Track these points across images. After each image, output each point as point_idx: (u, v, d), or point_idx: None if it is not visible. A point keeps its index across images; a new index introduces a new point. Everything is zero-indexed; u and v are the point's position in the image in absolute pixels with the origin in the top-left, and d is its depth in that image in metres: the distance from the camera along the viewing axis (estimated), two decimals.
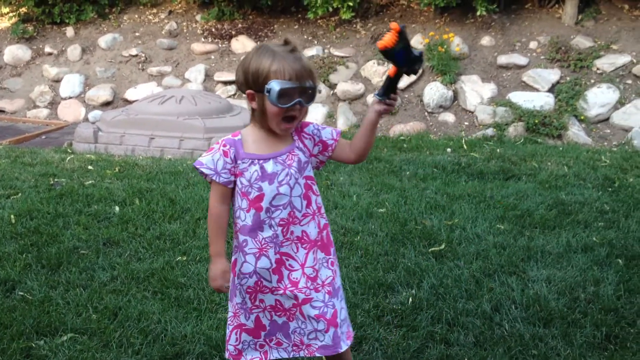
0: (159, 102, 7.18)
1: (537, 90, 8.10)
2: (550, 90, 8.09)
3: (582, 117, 7.74)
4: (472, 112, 8.07)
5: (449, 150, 6.88)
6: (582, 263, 3.86)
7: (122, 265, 3.79)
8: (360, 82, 8.68)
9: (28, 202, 4.87)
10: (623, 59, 8.25)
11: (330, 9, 9.20)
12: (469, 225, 4.53)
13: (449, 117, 8.12)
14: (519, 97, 7.97)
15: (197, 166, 2.24)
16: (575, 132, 7.52)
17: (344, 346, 2.33)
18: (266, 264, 2.25)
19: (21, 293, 3.42)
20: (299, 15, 10.02)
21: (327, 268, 2.34)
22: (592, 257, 3.96)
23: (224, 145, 2.23)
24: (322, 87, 8.70)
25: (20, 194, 5.12)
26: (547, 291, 3.48)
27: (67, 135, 8.06)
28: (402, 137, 7.58)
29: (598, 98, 7.87)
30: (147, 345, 2.94)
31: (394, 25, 2.08)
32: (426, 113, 8.23)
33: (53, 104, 9.44)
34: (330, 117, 8.37)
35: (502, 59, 8.59)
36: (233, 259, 2.33)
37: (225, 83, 9.14)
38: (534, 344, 2.98)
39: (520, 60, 8.52)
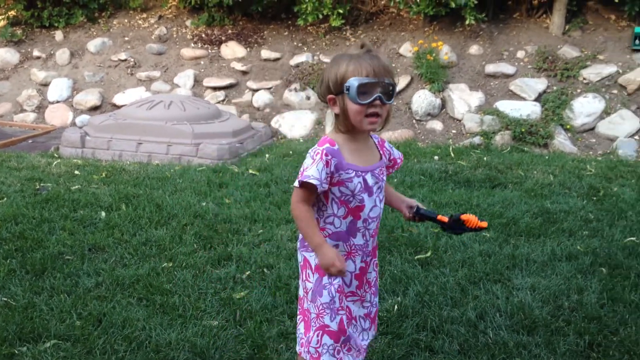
0: (147, 107, 7.17)
1: (524, 99, 8.16)
2: (537, 99, 8.14)
3: (568, 127, 7.79)
4: (460, 121, 8.11)
5: (436, 158, 6.91)
6: (566, 271, 3.89)
7: (107, 272, 3.78)
8: None
9: (13, 206, 4.85)
10: (609, 69, 8.32)
11: (320, 16, 9.23)
12: None
13: (436, 125, 8.15)
14: (506, 106, 8.02)
15: (305, 180, 2.17)
16: (561, 141, 7.57)
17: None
18: (351, 267, 2.34)
19: (5, 299, 3.40)
20: (289, 22, 10.05)
21: (374, 270, 2.48)
22: (576, 265, 3.99)
23: (326, 155, 2.20)
24: (310, 93, 8.71)
25: (5, 199, 5.10)
26: (531, 299, 3.50)
27: (54, 140, 8.02)
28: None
29: (584, 107, 7.93)
30: (131, 352, 2.93)
31: (484, 224, 2.42)
32: (414, 121, 8.26)
33: (40, 108, 9.39)
34: (319, 124, 8.39)
35: (490, 68, 8.64)
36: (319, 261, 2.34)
37: (215, 89, 9.14)
38: (518, 352, 3.00)
39: (508, 69, 8.58)
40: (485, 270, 3.90)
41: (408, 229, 4.60)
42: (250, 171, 6.19)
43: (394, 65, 8.91)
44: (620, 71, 8.29)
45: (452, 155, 7.03)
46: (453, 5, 8.56)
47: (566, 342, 3.08)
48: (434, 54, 8.63)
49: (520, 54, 8.84)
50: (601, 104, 7.95)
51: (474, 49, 8.99)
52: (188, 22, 10.37)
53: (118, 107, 8.75)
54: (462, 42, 9.14)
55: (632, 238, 4.49)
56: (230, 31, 9.97)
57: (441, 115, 8.29)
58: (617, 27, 9.03)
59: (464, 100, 8.22)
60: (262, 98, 8.83)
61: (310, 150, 2.24)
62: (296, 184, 2.21)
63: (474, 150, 7.35)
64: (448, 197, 5.44)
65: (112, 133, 6.98)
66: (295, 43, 9.67)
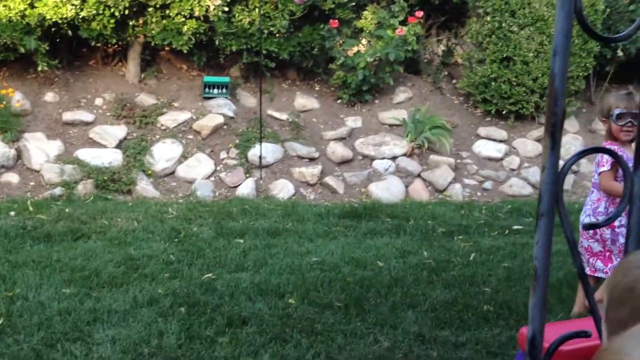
0: None
1: (105, 146, 8.13)
2: (118, 146, 8.20)
3: (149, 172, 8.02)
4: (39, 172, 7.68)
5: (12, 213, 6.40)
6: (147, 317, 3.95)
7: None
8: None
9: None
10: (184, 116, 8.86)
11: None
12: (32, 293, 4.25)
13: (12, 177, 7.56)
14: (87, 154, 7.88)
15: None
16: (144, 187, 7.75)
17: None
18: None
19: None
20: None
21: None
22: (157, 309, 4.08)
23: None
24: None
25: None
26: (111, 352, 3.45)
27: None
28: None
29: (163, 153, 8.27)
30: None
31: None
32: None
33: None
34: None
35: (68, 116, 8.41)
36: None
37: None
38: None
39: (87, 116, 8.46)
40: (64, 329, 3.71)
41: None
42: None
43: None
44: (194, 117, 8.90)
45: (31, 209, 6.60)
46: (22, 50, 8.12)
47: None
48: (4, 102, 8.04)
49: (98, 101, 8.82)
50: (179, 148, 8.40)
51: (49, 96, 8.65)
52: None
53: None
54: (36, 89, 8.72)
55: (209, 275, 4.79)
56: None
57: (17, 167, 7.74)
58: (189, 76, 9.71)
59: (41, 149, 7.82)
60: None
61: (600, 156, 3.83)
62: (605, 168, 3.78)
63: (55, 202, 7.02)
64: (26, 255, 5.07)
65: None
66: None
